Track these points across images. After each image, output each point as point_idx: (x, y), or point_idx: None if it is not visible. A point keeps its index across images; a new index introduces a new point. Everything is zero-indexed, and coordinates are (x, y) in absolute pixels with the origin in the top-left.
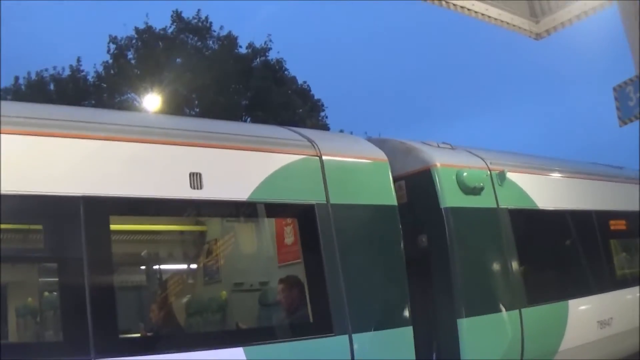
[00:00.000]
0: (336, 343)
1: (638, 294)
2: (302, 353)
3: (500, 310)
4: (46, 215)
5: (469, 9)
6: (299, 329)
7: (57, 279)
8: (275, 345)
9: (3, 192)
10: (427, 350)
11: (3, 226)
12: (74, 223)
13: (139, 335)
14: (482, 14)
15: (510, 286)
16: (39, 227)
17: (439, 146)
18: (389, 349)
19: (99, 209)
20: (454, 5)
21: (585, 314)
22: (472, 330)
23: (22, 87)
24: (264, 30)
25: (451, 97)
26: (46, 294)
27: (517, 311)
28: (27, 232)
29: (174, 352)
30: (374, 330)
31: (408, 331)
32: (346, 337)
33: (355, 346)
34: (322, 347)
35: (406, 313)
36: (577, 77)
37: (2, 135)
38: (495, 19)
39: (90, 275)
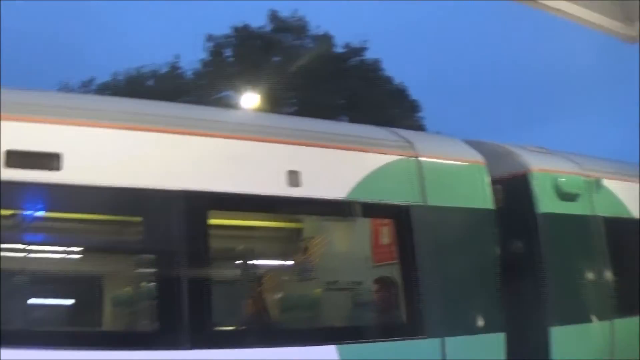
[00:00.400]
0: (428, 345)
1: None
2: (394, 354)
3: (591, 320)
4: (147, 208)
5: (566, 12)
6: (391, 330)
7: (155, 270)
8: (367, 345)
9: (106, 184)
10: (517, 357)
11: (105, 217)
12: (174, 217)
13: (233, 328)
14: (578, 17)
15: (602, 296)
16: (139, 219)
17: (535, 150)
18: (480, 355)
19: (198, 204)
20: (547, 6)
21: None
22: (563, 339)
23: (121, 82)
24: (361, 29)
25: (547, 100)
26: (143, 284)
27: (608, 322)
28: (126, 224)
29: (267, 347)
30: (467, 334)
31: (500, 337)
32: (438, 340)
33: (447, 350)
34: (414, 349)
35: (499, 319)
36: None
37: (104, 129)
38: (591, 22)
39: (188, 268)
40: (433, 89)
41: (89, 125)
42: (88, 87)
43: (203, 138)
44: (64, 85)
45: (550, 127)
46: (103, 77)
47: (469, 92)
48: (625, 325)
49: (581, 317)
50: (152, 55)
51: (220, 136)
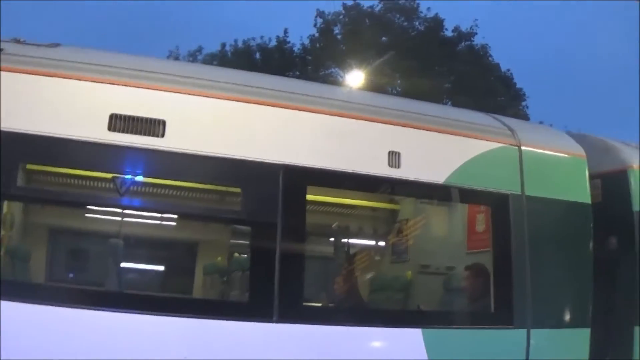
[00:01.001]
0: (514, 336)
1: None
2: (480, 342)
3: None
4: (246, 179)
5: None
6: (479, 318)
7: (249, 242)
8: (453, 331)
9: (207, 154)
10: (600, 354)
11: (204, 186)
12: (273, 190)
13: (321, 305)
14: None
15: None
16: (238, 190)
17: (637, 147)
18: (564, 348)
19: (297, 178)
20: None
21: None
22: None
23: (229, 53)
24: (470, 14)
25: None
26: (236, 255)
27: None
28: (225, 194)
29: (353, 326)
30: (553, 327)
31: (585, 333)
32: (524, 331)
33: (532, 341)
34: (499, 339)
35: (586, 314)
36: None
37: (208, 98)
38: None
39: (282, 241)
40: (540, 78)
41: (193, 94)
42: (196, 57)
43: (306, 113)
44: (172, 53)
45: None
46: (211, 47)
47: (578, 85)
48: None
49: None
50: (261, 27)
51: (324, 112)
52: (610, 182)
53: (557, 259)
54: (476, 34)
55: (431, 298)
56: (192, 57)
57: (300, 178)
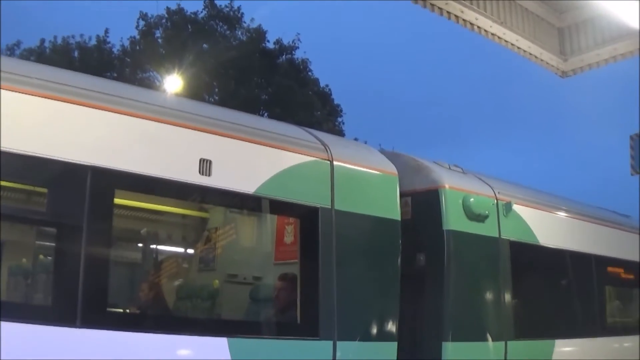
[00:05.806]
0: (320, 347)
1: (626, 344)
2: (285, 352)
3: (486, 340)
4: (53, 179)
5: (499, 37)
6: (285, 328)
7: (54, 244)
8: (258, 341)
9: (15, 150)
10: None
11: (8, 184)
12: (79, 191)
13: (125, 311)
14: (512, 44)
15: (499, 317)
16: (44, 190)
17: (450, 168)
18: None
19: (105, 181)
20: (486, 32)
21: (570, 356)
22: (454, 355)
23: (47, 50)
24: (293, 28)
25: (470, 122)
26: (41, 257)
27: (502, 343)
28: (30, 193)
29: (156, 333)
30: (359, 340)
31: (392, 346)
32: (331, 342)
33: (338, 353)
34: (305, 349)
35: (393, 328)
36: (595, 118)
37: (25, 95)
38: (525, 50)
39: (87, 245)
40: (357, 96)
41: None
42: (13, 51)
43: (118, 115)
44: None
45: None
46: (30, 42)
47: (394, 106)
48: (519, 347)
49: (476, 336)
50: (83, 25)
51: (137, 116)
52: (421, 200)
53: (365, 273)
54: (297, 47)
55: (238, 308)
56: (10, 51)
57: (108, 181)
